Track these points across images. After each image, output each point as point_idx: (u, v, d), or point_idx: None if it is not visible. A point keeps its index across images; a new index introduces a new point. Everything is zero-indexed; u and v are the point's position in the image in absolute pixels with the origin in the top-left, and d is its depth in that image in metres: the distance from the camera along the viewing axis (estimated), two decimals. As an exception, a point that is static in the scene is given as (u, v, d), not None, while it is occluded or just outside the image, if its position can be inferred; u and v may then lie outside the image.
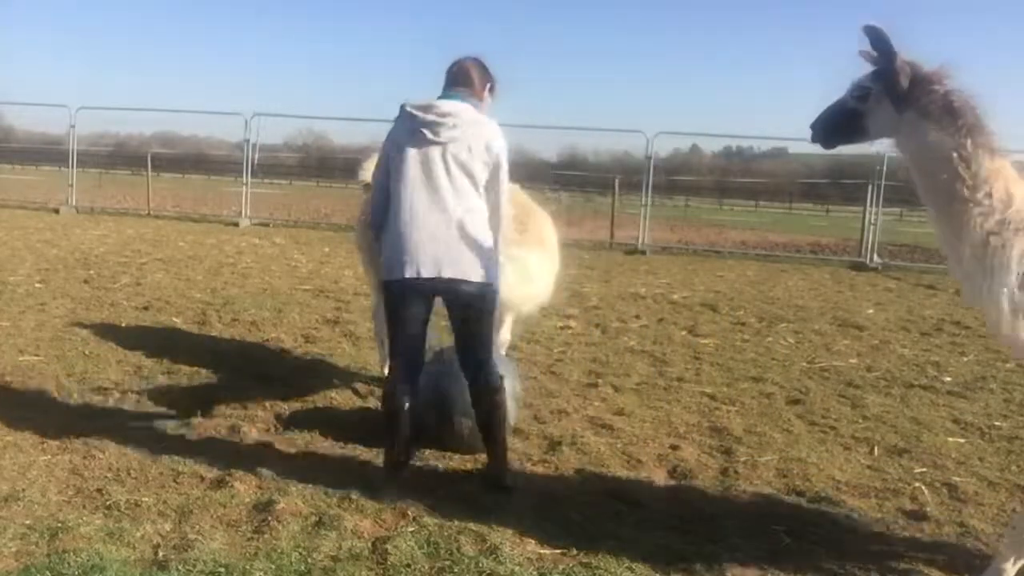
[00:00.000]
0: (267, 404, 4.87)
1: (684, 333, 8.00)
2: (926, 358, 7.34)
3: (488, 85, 3.84)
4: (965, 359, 7.37)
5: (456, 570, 3.04)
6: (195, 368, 5.64)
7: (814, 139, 3.19)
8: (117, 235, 13.72)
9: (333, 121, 70.31)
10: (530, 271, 4.69)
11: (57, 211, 17.50)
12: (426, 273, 3.59)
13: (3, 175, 28.42)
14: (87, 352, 5.93)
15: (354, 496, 3.59)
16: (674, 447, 4.57)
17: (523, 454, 4.30)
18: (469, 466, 4.10)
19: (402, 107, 3.69)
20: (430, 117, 3.60)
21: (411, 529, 3.32)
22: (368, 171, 4.61)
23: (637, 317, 8.72)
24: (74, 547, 3.04)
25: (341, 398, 5.17)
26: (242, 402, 4.87)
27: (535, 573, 3.06)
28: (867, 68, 3.00)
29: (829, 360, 7.07)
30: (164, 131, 53.58)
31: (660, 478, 4.14)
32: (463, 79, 3.76)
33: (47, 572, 2.87)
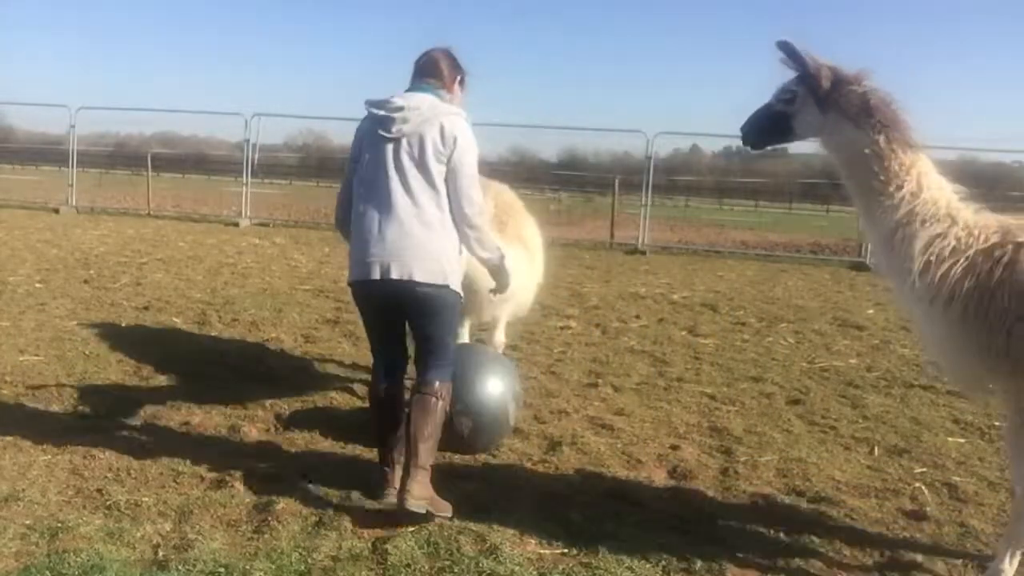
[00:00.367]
0: (267, 404, 4.88)
1: (684, 333, 8.00)
2: (926, 358, 7.33)
3: (458, 77, 3.67)
4: (965, 359, 7.36)
5: (456, 570, 3.05)
6: (195, 368, 5.64)
7: (745, 141, 3.37)
8: (117, 235, 13.70)
9: (333, 121, 69.31)
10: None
11: (57, 211, 17.48)
12: (374, 275, 3.42)
13: (3, 175, 28.36)
14: (87, 352, 5.94)
15: (354, 496, 3.60)
16: (674, 447, 4.57)
17: (523, 454, 4.31)
18: (469, 466, 4.10)
19: (365, 103, 3.58)
20: (382, 113, 3.47)
21: (411, 529, 3.32)
22: None
23: (637, 317, 8.72)
24: (74, 547, 3.04)
25: (341, 398, 5.17)
26: (242, 402, 4.88)
27: (535, 573, 3.06)
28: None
29: (829, 360, 7.07)
30: (164, 131, 53.44)
31: (660, 478, 4.14)
32: (431, 70, 3.60)
33: (47, 572, 2.87)
